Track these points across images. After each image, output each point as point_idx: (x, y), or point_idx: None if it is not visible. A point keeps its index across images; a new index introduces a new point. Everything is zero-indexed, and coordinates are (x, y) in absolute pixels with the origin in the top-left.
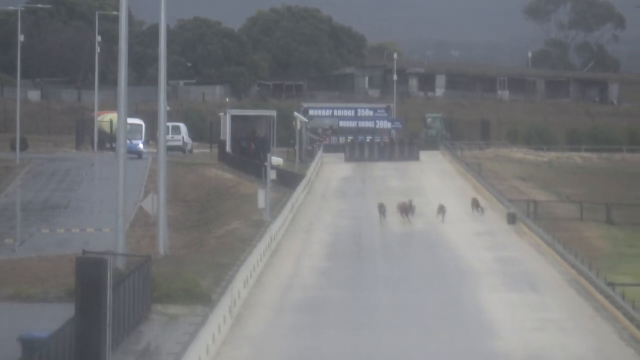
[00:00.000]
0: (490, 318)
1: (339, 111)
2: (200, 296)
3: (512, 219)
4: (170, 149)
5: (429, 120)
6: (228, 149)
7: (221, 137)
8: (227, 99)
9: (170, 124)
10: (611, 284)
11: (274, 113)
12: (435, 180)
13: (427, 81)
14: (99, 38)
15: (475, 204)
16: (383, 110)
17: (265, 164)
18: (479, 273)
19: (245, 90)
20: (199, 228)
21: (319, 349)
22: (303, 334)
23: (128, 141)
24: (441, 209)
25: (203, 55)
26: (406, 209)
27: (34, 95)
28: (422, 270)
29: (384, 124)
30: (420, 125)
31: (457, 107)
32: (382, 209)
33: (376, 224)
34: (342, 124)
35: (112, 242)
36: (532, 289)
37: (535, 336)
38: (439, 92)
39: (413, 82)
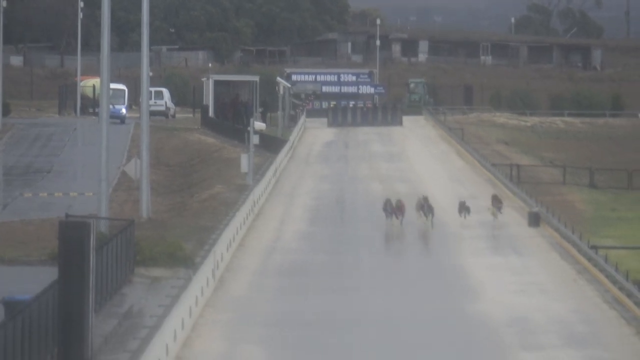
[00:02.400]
0: (474, 281)
1: (322, 76)
2: (183, 259)
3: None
4: (153, 113)
5: (411, 85)
6: (211, 114)
7: (204, 102)
8: (210, 65)
9: (153, 89)
10: (594, 247)
11: (256, 78)
12: (418, 145)
13: (409, 47)
14: (81, 4)
15: (497, 202)
16: (366, 76)
17: (248, 128)
18: (463, 237)
19: (228, 56)
20: (182, 192)
21: (302, 312)
22: (286, 297)
23: (111, 106)
24: (463, 207)
25: (186, 20)
26: (423, 208)
27: (16, 60)
28: (406, 234)
29: (367, 89)
30: (403, 91)
31: (440, 72)
32: (389, 206)
33: (361, 190)
34: (325, 89)
35: (95, 206)
36: (516, 253)
37: (517, 299)
38: (422, 57)
39: (396, 48)
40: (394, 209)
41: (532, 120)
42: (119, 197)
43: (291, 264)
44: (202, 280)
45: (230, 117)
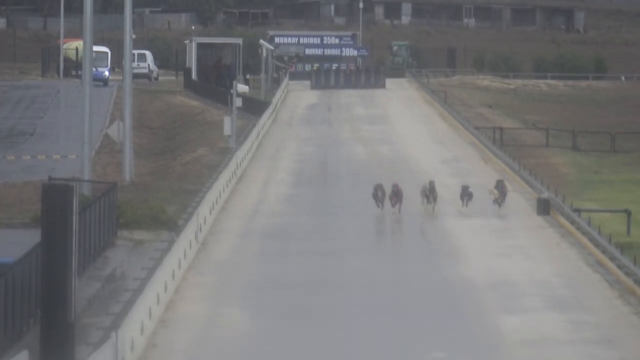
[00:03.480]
0: (456, 244)
1: (305, 39)
2: (166, 222)
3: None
4: (136, 76)
5: (395, 48)
6: (194, 76)
7: (187, 65)
8: (193, 27)
9: (136, 52)
10: (577, 210)
11: (239, 41)
12: (401, 108)
13: (393, 9)
14: None
15: (501, 188)
16: (349, 38)
17: (231, 91)
18: (446, 199)
19: (211, 18)
20: (165, 155)
21: (286, 275)
22: (269, 260)
23: (94, 69)
24: (465, 192)
25: None
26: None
27: None
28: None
29: (350, 52)
30: (386, 53)
31: (423, 35)
32: (379, 193)
33: (344, 152)
34: (308, 51)
35: (78, 169)
36: (498, 216)
37: (500, 262)
38: (405, 20)
39: (379, 10)
40: (389, 195)
41: (515, 83)
42: (102, 160)
43: (274, 226)
44: (185, 243)
45: (213, 80)
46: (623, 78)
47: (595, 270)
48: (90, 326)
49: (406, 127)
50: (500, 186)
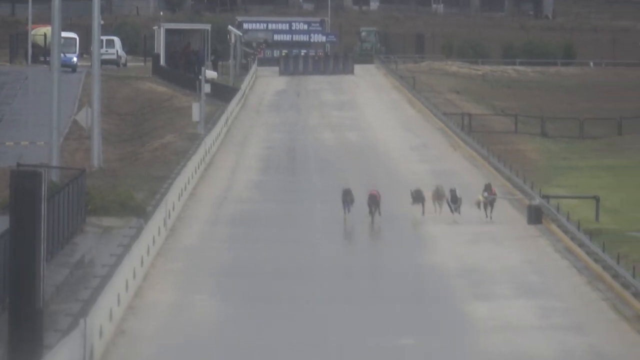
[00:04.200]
0: (426, 231)
1: (274, 25)
2: (134, 209)
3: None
4: (104, 62)
5: (363, 34)
6: (162, 62)
7: (155, 51)
8: (161, 13)
9: (104, 38)
10: (546, 197)
11: (208, 27)
12: (369, 94)
13: None
14: None
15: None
16: (317, 24)
17: (200, 77)
18: (415, 186)
19: (179, 4)
20: (134, 141)
21: (254, 262)
22: (238, 246)
23: (62, 55)
24: (454, 198)
25: None
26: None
27: None
28: (357, 184)
29: (319, 38)
30: (354, 39)
31: (391, 20)
32: (348, 198)
33: (312, 139)
34: (276, 37)
35: (46, 155)
36: (467, 202)
37: (469, 249)
38: (374, 5)
39: None
40: (367, 202)
41: (483, 69)
42: (70, 146)
43: (243, 213)
44: (154, 229)
45: (181, 66)
46: (591, 64)
47: (564, 256)
48: (58, 313)
49: (375, 113)
50: (488, 190)
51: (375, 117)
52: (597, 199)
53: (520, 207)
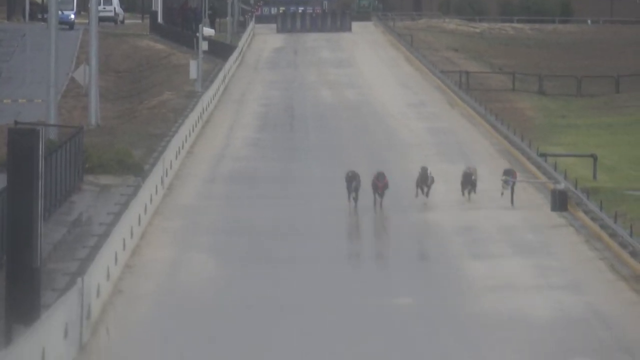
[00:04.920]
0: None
1: None
2: (132, 167)
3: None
4: (101, 19)
5: None
6: (160, 19)
7: (153, 8)
8: None
9: None
10: (543, 155)
11: None
12: (367, 52)
13: None
14: None
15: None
16: None
17: (197, 34)
18: (412, 144)
19: None
20: (131, 99)
21: (251, 220)
22: (235, 204)
23: (60, 12)
24: (468, 180)
25: None
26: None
27: None
28: (355, 142)
29: None
30: None
31: None
32: (353, 183)
33: (310, 96)
34: None
35: (44, 113)
36: (465, 160)
37: (467, 209)
38: None
39: None
40: (372, 182)
41: (481, 27)
42: (67, 104)
43: (240, 171)
44: (151, 187)
45: (179, 23)
46: (589, 21)
47: (561, 215)
48: (56, 271)
49: (372, 70)
50: (510, 174)
51: (372, 74)
52: (594, 157)
53: (516, 165)
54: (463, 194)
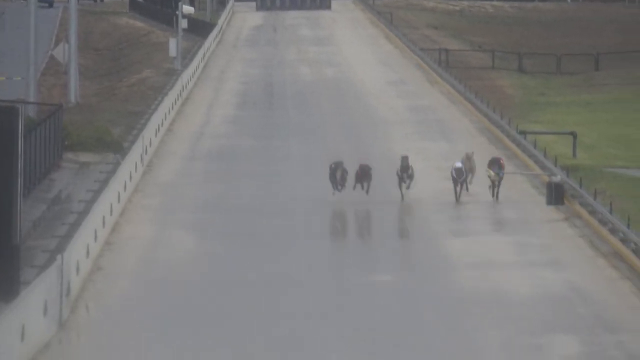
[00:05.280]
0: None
1: None
2: (111, 144)
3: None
4: None
5: None
6: None
7: None
8: None
9: None
10: (523, 132)
11: None
12: (346, 30)
13: None
14: None
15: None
16: None
17: (177, 12)
18: (392, 122)
19: None
20: (110, 77)
21: (231, 197)
22: (215, 182)
23: None
24: (460, 175)
25: None
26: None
27: None
28: (335, 120)
29: None
30: None
31: None
32: (337, 174)
33: (289, 74)
34: None
35: (23, 90)
36: (444, 138)
37: (447, 185)
38: None
39: None
40: (356, 172)
41: (461, 5)
42: (47, 82)
43: (220, 148)
44: (131, 165)
45: (158, 1)
46: (569, 0)
47: (541, 192)
48: (35, 248)
49: (352, 48)
50: (496, 165)
51: (352, 52)
52: (574, 134)
53: (496, 143)
54: (456, 195)
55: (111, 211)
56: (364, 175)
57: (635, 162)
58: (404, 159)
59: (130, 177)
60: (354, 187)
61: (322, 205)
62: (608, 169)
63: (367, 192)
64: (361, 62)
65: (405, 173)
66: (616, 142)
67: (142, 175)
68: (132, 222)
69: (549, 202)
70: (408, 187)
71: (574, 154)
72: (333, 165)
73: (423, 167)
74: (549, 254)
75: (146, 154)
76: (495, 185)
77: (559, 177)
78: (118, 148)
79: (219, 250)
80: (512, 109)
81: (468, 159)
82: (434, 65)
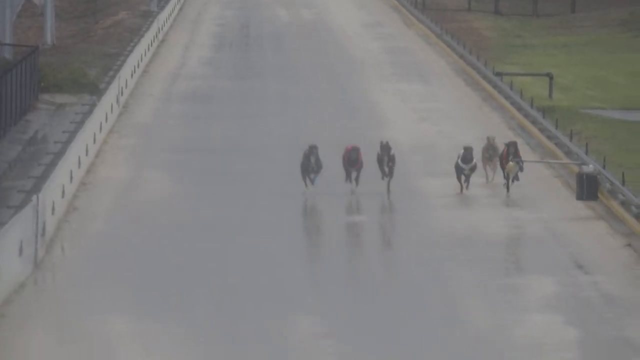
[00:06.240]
0: (380, 108)
1: None
2: (87, 85)
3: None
4: None
5: None
6: None
7: None
8: None
9: None
10: (499, 74)
11: None
12: None
13: None
14: None
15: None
16: None
17: None
18: (369, 64)
19: None
20: (86, 18)
21: (207, 138)
22: (190, 123)
23: None
24: (467, 159)
25: None
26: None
27: None
28: (311, 62)
29: None
30: None
31: None
32: (312, 159)
33: (266, 16)
34: None
35: None
36: (421, 80)
37: (423, 125)
38: None
39: None
40: (344, 160)
41: None
42: (23, 24)
43: (196, 90)
44: (107, 106)
45: None
46: None
47: (517, 134)
48: (11, 189)
49: None
50: (513, 150)
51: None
52: (550, 76)
53: (473, 85)
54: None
55: (87, 152)
56: (352, 162)
57: (611, 104)
58: (384, 145)
59: (106, 118)
60: (346, 179)
61: (298, 144)
62: (584, 110)
63: (357, 183)
64: (337, 4)
65: (385, 157)
66: (592, 83)
67: (117, 116)
68: (107, 163)
69: (580, 197)
70: (390, 178)
71: (550, 96)
72: (307, 150)
73: (400, 109)
74: (524, 195)
75: (122, 95)
76: (510, 178)
77: (591, 167)
78: (94, 89)
79: (194, 191)
80: (489, 51)
81: (491, 146)
82: (410, 8)
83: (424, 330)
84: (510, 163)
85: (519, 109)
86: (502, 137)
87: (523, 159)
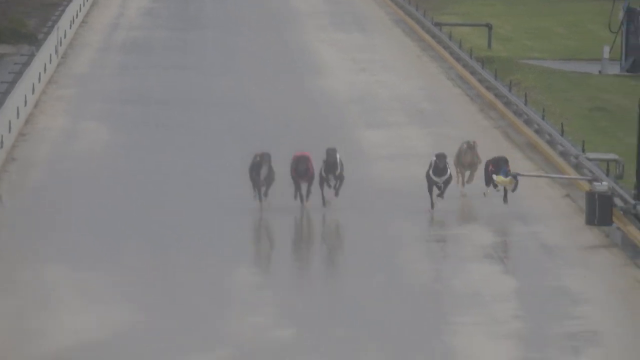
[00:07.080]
0: (318, 58)
1: None
2: (26, 36)
3: None
4: None
5: None
6: None
7: None
8: None
9: None
10: (438, 24)
11: None
12: None
13: None
14: None
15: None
16: None
17: None
18: (307, 13)
19: None
20: None
21: (145, 89)
22: (129, 74)
23: None
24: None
25: None
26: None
27: None
28: (250, 12)
29: None
30: None
31: None
32: (262, 170)
33: None
34: None
35: None
36: (360, 30)
37: (362, 76)
38: None
39: None
40: (292, 171)
41: None
42: None
43: (135, 40)
44: (45, 56)
45: None
46: None
47: (456, 84)
48: None
49: None
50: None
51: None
52: (489, 26)
53: (411, 34)
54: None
55: (25, 102)
56: (300, 174)
57: (550, 54)
58: (330, 153)
59: (45, 69)
60: (295, 194)
61: (240, 100)
62: (523, 61)
63: (307, 197)
64: None
65: (332, 173)
66: (532, 34)
67: (56, 66)
68: (46, 113)
69: (590, 222)
70: (336, 194)
71: (489, 46)
72: (257, 158)
73: (337, 59)
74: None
75: (61, 45)
76: (506, 190)
77: (605, 185)
78: (33, 40)
79: (132, 141)
80: (428, 1)
81: (470, 149)
82: None
83: (363, 280)
84: (507, 179)
85: (458, 59)
86: (442, 87)
87: (522, 172)
